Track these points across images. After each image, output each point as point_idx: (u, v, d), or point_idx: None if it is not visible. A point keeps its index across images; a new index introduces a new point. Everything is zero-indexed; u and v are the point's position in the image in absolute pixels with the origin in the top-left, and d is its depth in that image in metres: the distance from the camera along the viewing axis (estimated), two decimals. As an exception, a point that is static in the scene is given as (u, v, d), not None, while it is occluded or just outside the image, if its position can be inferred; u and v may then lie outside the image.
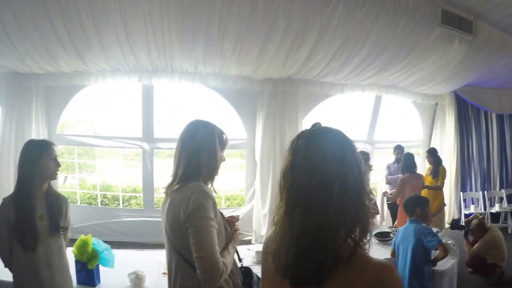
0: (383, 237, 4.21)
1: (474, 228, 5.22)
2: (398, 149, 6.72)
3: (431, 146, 7.99)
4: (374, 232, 4.32)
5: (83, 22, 4.34)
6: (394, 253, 3.57)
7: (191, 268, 1.76)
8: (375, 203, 5.62)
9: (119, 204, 7.64)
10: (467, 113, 8.63)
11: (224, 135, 2.04)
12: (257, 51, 5.07)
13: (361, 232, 1.03)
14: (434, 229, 4.37)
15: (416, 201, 3.56)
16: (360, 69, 5.98)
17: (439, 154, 6.54)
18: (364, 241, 1.04)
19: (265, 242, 1.27)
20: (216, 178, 2.02)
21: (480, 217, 5.37)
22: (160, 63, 5.42)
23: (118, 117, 8.75)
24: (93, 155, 8.64)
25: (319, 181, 1.00)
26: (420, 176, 5.69)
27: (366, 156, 5.63)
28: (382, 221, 6.62)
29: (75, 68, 5.47)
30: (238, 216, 2.22)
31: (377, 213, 5.78)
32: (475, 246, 5.18)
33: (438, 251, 3.35)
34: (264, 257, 1.23)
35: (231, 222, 2.11)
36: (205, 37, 4.71)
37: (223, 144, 2.03)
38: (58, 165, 2.52)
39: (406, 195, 4.49)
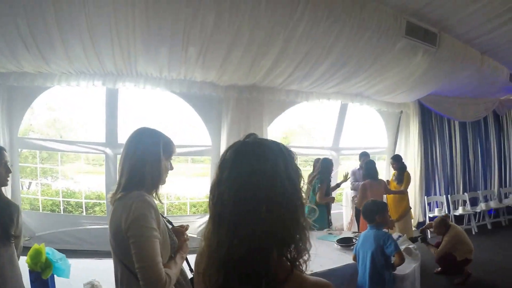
0: (347, 242, 4.24)
1: (437, 225, 5.41)
2: (363, 156, 6.80)
3: (396, 152, 8.22)
4: (337, 238, 4.40)
5: (47, 22, 4.21)
6: (355, 258, 3.59)
7: (136, 279, 1.71)
8: None
9: (82, 212, 7.43)
10: (431, 121, 8.91)
11: (170, 144, 2.00)
12: (221, 58, 5.05)
13: (297, 252, 0.97)
14: (396, 234, 4.46)
15: (375, 208, 3.55)
16: (325, 78, 6.06)
17: (403, 160, 6.68)
18: (301, 260, 0.99)
19: (196, 261, 1.18)
20: (161, 187, 1.98)
21: (443, 215, 5.53)
22: (124, 67, 5.33)
23: (82, 121, 8.57)
24: (57, 160, 8.43)
25: (245, 197, 0.92)
26: (381, 182, 5.80)
27: (329, 163, 5.76)
28: (351, 226, 6.70)
29: (38, 69, 5.31)
30: (187, 225, 2.18)
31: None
32: (441, 245, 5.31)
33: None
34: (197, 278, 1.15)
35: (179, 231, 2.07)
36: (170, 42, 4.67)
37: (169, 153, 1.99)
38: (8, 171, 2.44)
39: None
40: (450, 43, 6.27)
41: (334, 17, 4.72)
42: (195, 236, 6.63)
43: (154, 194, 1.94)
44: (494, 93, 9.66)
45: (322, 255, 3.80)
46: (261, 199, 0.91)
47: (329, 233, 4.85)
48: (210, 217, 1.00)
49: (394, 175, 6.54)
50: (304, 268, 1.00)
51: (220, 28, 4.49)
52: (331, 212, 6.01)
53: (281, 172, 0.96)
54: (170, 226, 2.06)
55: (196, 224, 6.77)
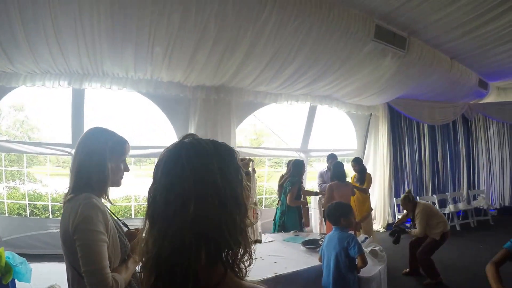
0: (313, 244, 4.20)
1: (403, 202, 5.45)
2: (331, 158, 6.81)
3: (366, 155, 8.37)
4: (304, 240, 4.35)
5: (11, 20, 4.11)
6: (321, 259, 3.54)
7: (84, 282, 1.65)
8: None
9: (49, 215, 7.23)
10: (400, 124, 9.07)
11: (121, 144, 1.93)
12: (188, 57, 5.01)
13: (234, 255, 0.93)
14: (363, 236, 4.47)
15: (340, 210, 3.50)
16: (293, 79, 6.09)
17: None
18: (241, 264, 0.94)
19: None
20: (113, 189, 1.93)
21: (406, 191, 5.62)
22: (90, 67, 5.24)
23: (49, 122, 8.38)
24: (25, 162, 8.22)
25: (175, 197, 0.89)
26: (349, 184, 5.78)
27: (300, 164, 5.70)
28: (321, 228, 6.72)
29: (2, 68, 5.17)
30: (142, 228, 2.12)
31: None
32: (416, 222, 5.30)
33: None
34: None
35: (134, 235, 2.01)
36: (136, 41, 4.60)
37: (119, 153, 1.92)
38: None
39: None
40: (419, 47, 6.38)
41: (302, 17, 4.73)
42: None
43: (104, 196, 1.89)
44: (463, 98, 9.90)
45: (288, 257, 3.80)
46: (189, 198, 0.88)
47: (296, 235, 4.81)
48: (146, 217, 0.98)
49: (355, 177, 6.58)
50: (245, 273, 0.96)
51: (186, 27, 4.46)
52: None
53: (214, 170, 0.93)
54: (125, 229, 2.01)
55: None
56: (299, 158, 6.31)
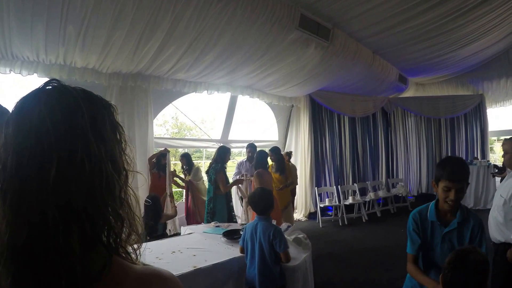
0: (234, 235, 4.03)
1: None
2: (250, 147, 6.80)
3: (287, 145, 8.51)
4: (224, 230, 4.20)
5: None
6: (243, 250, 3.39)
7: None
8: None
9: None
10: (321, 115, 9.30)
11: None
12: (103, 39, 4.62)
13: (115, 234, 0.71)
14: (285, 225, 4.36)
15: (269, 200, 3.32)
16: (213, 67, 5.92)
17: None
18: (128, 247, 0.74)
19: None
20: None
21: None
22: None
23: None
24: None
25: (30, 157, 0.64)
26: (270, 173, 5.84)
27: (224, 150, 5.71)
28: (247, 217, 6.66)
29: None
30: None
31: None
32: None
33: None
34: None
35: None
36: (47, 18, 4.12)
37: None
38: None
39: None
40: (343, 39, 6.48)
41: (225, 0, 4.57)
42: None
43: None
44: (384, 92, 10.35)
45: (208, 249, 3.66)
46: (50, 159, 0.64)
47: (216, 226, 4.64)
48: None
49: (272, 166, 6.55)
50: (135, 258, 0.75)
51: (102, 5, 4.08)
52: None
53: (84, 123, 0.69)
54: None
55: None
56: (223, 145, 6.21)
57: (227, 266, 3.36)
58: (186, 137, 15.51)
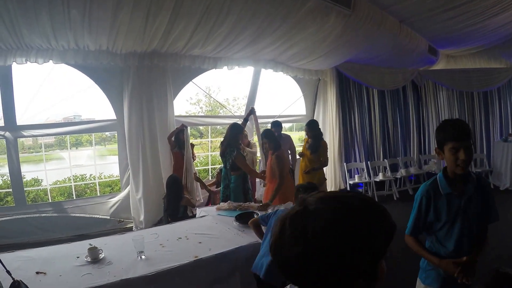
0: (246, 219, 3.65)
1: None
2: (275, 126, 6.41)
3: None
4: (237, 213, 3.98)
5: None
6: (259, 229, 3.19)
7: None
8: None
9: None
10: (349, 89, 8.90)
11: None
12: (109, 20, 4.50)
13: None
14: None
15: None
16: (229, 40, 5.65)
17: (322, 128, 6.41)
18: None
19: None
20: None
21: None
22: (12, 41, 4.74)
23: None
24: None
25: None
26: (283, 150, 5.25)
27: (236, 126, 5.20)
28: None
29: None
30: None
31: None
32: None
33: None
34: None
35: None
36: (49, 5, 4.06)
37: None
38: None
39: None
40: (366, 7, 6.01)
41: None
42: (108, 217, 6.32)
43: None
44: (413, 64, 9.87)
45: (216, 235, 3.47)
46: None
47: (236, 207, 4.37)
48: None
49: (307, 142, 6.01)
50: None
51: None
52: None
53: None
54: None
55: (108, 205, 6.41)
56: (236, 122, 5.66)
57: (232, 257, 3.11)
58: (220, 114, 15.49)
